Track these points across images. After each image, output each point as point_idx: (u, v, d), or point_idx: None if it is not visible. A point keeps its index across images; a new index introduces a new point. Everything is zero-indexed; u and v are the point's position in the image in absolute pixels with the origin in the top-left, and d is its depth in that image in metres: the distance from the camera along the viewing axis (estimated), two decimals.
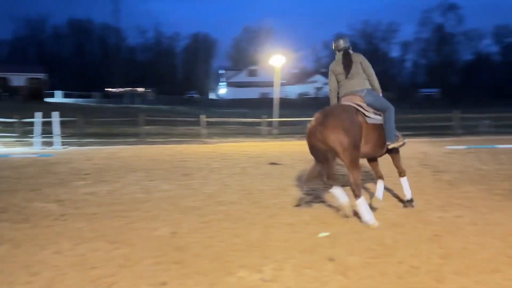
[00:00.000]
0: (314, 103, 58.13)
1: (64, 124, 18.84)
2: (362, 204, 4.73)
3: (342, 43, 5.38)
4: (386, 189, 6.30)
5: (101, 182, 7.76)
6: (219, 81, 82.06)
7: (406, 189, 5.52)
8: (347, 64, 5.10)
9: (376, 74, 5.42)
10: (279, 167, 9.62)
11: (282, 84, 69.29)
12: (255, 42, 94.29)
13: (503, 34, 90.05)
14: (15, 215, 5.42)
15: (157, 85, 70.95)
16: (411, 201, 5.51)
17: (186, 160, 11.21)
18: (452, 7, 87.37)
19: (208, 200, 6.20)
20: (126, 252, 3.97)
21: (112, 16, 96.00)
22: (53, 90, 54.28)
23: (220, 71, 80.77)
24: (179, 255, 3.87)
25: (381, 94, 5.34)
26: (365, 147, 4.87)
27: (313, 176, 5.23)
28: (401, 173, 5.53)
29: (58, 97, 53.87)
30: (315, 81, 77.08)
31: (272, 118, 21.76)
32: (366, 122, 4.85)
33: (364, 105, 4.96)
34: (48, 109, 20.81)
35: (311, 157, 5.12)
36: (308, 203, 5.87)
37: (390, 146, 5.12)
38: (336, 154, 4.78)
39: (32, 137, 17.04)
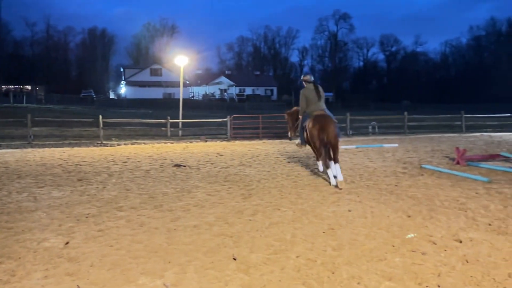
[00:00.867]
0: (220, 105, 58.59)
1: None
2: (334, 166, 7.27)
3: (310, 77, 7.92)
4: (284, 186, 6.60)
5: None
6: (119, 80, 78.12)
7: (339, 172, 7.20)
8: (318, 92, 7.67)
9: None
10: (184, 169, 9.49)
11: (187, 85, 68.65)
12: (157, 41, 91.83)
13: (388, 43, 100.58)
14: None
15: (48, 82, 65.06)
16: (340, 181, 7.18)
17: (81, 164, 10.47)
18: (344, 17, 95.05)
19: (106, 206, 5.86)
20: (11, 267, 3.57)
21: None
22: None
23: (121, 69, 76.96)
24: (73, 266, 3.59)
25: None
26: None
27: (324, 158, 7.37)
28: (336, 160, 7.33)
29: None
30: (220, 83, 77.65)
31: (176, 119, 21.38)
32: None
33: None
34: None
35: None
36: (213, 203, 5.90)
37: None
38: (331, 141, 7.25)
39: None
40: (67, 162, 10.75)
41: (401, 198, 6.12)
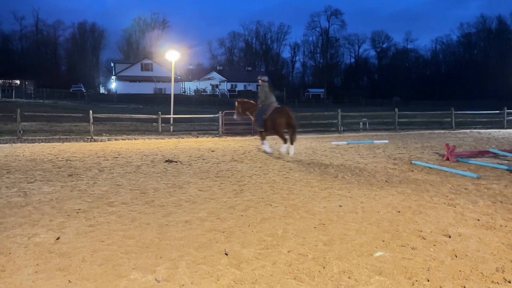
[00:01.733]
0: (212, 100, 58.40)
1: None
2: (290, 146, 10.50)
3: (266, 78, 10.92)
4: (276, 182, 6.62)
5: None
6: (109, 75, 77.45)
7: (292, 149, 10.59)
8: (272, 89, 10.66)
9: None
10: (175, 164, 9.47)
11: (178, 80, 68.28)
12: (147, 35, 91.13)
13: (379, 40, 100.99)
14: None
15: (38, 77, 64.29)
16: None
17: (72, 159, 10.39)
18: (336, 13, 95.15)
19: (97, 201, 5.84)
20: (1, 262, 3.55)
21: None
22: None
23: (111, 64, 76.26)
24: (64, 262, 3.58)
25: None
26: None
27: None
28: (293, 142, 10.55)
29: None
30: (211, 78, 77.33)
31: (168, 114, 21.28)
32: None
33: None
34: None
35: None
36: (205, 199, 5.90)
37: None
38: (293, 125, 10.45)
39: None
40: (57, 158, 10.66)
41: (391, 194, 6.18)
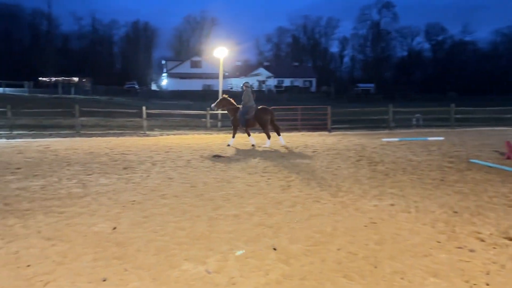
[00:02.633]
0: (258, 96, 58.73)
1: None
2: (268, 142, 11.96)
3: (249, 84, 12.78)
4: (324, 179, 6.54)
5: (34, 177, 7.30)
6: (160, 72, 79.99)
7: (282, 139, 12.43)
8: (253, 94, 12.27)
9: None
10: (223, 159, 9.62)
11: (226, 77, 69.20)
12: (197, 33, 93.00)
13: (433, 32, 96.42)
14: None
15: (94, 74, 67.63)
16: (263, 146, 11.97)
17: (126, 153, 10.85)
18: (388, 5, 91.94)
19: (150, 194, 6.07)
20: (63, 249, 3.79)
21: (44, 2, 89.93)
22: None
23: (162, 62, 78.69)
24: (120, 251, 3.76)
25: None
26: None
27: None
28: (279, 133, 12.49)
29: None
30: (258, 74, 77.61)
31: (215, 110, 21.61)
32: None
33: None
34: None
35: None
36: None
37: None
38: (274, 122, 12.34)
39: None
40: (113, 151, 11.18)
41: (447, 193, 5.91)
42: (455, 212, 4.95)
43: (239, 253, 3.74)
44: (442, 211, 4.99)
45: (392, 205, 5.33)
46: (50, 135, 16.48)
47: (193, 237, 4.13)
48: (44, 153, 10.57)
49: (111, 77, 71.50)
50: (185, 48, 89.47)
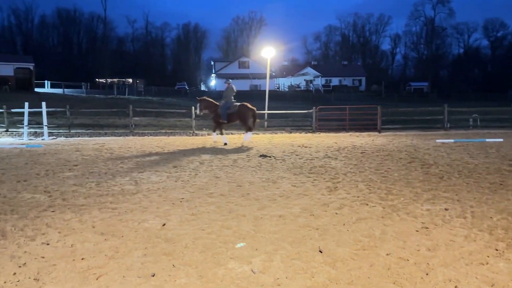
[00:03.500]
0: (305, 96, 58.21)
1: (52, 115, 18.61)
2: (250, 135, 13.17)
3: (230, 81, 13.30)
4: (373, 181, 6.34)
5: (90, 174, 7.70)
6: (209, 73, 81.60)
7: (247, 136, 13.15)
8: (234, 91, 13.01)
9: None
10: (269, 159, 9.63)
11: (273, 77, 69.33)
12: (245, 34, 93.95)
13: (493, 28, 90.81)
14: (2, 206, 5.35)
15: (147, 76, 70.31)
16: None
17: (176, 151, 11.16)
18: (443, 1, 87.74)
19: (198, 192, 6.19)
20: (115, 244, 3.95)
21: (100, 6, 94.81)
22: (41, 81, 53.41)
23: (211, 63, 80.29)
24: (169, 247, 3.86)
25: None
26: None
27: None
28: (250, 130, 13.03)
29: (46, 88, 53.04)
30: (306, 74, 76.99)
31: (262, 110, 21.72)
32: None
33: None
34: (36, 100, 20.51)
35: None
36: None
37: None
38: (255, 117, 13.08)
39: (20, 128, 16.80)
40: (163, 150, 11.55)
41: (507, 198, 5.53)
42: None
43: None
44: (501, 217, 4.67)
45: (446, 209, 5.07)
46: (105, 134, 17.33)
47: (238, 236, 4.16)
48: (100, 151, 11.12)
49: (162, 78, 73.97)
50: (233, 49, 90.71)
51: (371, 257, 3.58)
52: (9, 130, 17.70)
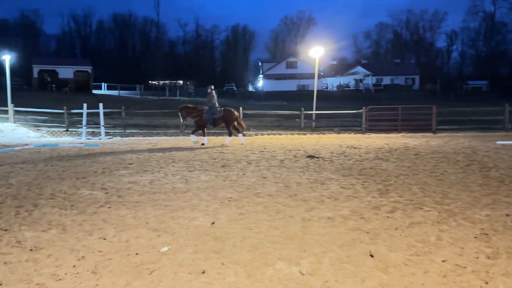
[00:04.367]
0: (355, 95, 56.96)
1: (108, 115, 19.56)
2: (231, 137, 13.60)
3: (213, 88, 13.64)
4: (428, 184, 6.05)
5: (143, 172, 8.00)
6: (257, 74, 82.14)
7: (228, 140, 13.45)
8: (215, 96, 13.29)
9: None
10: (317, 160, 9.52)
11: (321, 76, 68.53)
12: (293, 33, 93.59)
13: None
14: (63, 201, 5.69)
15: (197, 77, 72.03)
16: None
17: (224, 151, 11.33)
18: None
19: (246, 191, 6.24)
20: (167, 240, 4.07)
21: (153, 10, 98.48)
22: (98, 83, 56.40)
23: (259, 63, 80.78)
24: (218, 245, 3.92)
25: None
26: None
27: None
28: (231, 134, 13.43)
29: (103, 90, 55.95)
30: (355, 73, 75.30)
31: (310, 110, 21.53)
32: None
33: None
34: (94, 101, 21.65)
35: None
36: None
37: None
38: (239, 121, 13.89)
39: (79, 127, 17.84)
40: (212, 150, 11.77)
41: None
42: None
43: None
44: None
45: (507, 215, 4.76)
46: (157, 134, 17.97)
47: (286, 236, 4.15)
48: (152, 150, 11.54)
49: (211, 80, 75.34)
50: (280, 49, 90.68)
51: (426, 264, 3.43)
52: (69, 129, 18.83)
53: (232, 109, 13.72)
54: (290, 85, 68.34)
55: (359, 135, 17.69)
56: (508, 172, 7.52)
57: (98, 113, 17.11)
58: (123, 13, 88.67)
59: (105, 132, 16.89)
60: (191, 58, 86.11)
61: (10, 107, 19.35)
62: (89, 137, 16.59)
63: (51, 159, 9.85)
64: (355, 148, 11.91)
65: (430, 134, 17.28)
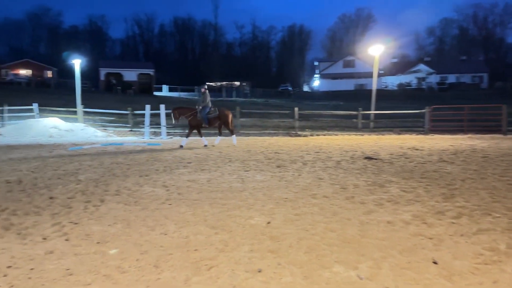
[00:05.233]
0: (417, 95, 54.51)
1: (169, 116, 20.31)
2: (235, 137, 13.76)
3: (206, 87, 13.74)
4: (497, 189, 5.65)
5: (202, 171, 8.23)
6: (313, 73, 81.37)
7: (218, 140, 13.86)
8: (209, 97, 13.29)
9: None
10: (375, 162, 9.24)
11: (381, 75, 66.35)
12: (351, 32, 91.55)
13: None
14: (127, 198, 6.01)
15: (252, 78, 72.81)
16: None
17: (279, 152, 11.35)
18: None
19: (301, 192, 6.21)
20: (225, 238, 4.16)
21: (211, 14, 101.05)
22: (159, 85, 58.91)
23: (315, 63, 79.96)
24: (274, 245, 3.94)
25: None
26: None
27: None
28: (233, 133, 13.80)
29: (164, 91, 58.34)
30: (417, 71, 72.00)
31: (368, 110, 20.93)
32: None
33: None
34: (156, 102, 22.64)
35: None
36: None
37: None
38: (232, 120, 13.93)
39: (142, 127, 18.75)
40: (267, 150, 11.84)
41: None
42: None
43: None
44: None
45: None
46: (214, 134, 18.38)
47: (343, 239, 4.07)
48: (209, 150, 11.84)
49: (267, 80, 75.95)
50: (337, 48, 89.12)
51: (495, 273, 3.21)
52: (133, 129, 19.83)
53: (226, 109, 13.80)
54: (347, 85, 66.93)
55: (421, 136, 16.92)
56: None
57: (159, 114, 17.85)
58: (183, 17, 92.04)
59: (166, 132, 17.59)
60: (247, 59, 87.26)
61: (80, 108, 20.76)
62: (152, 136, 17.37)
63: (116, 157, 10.44)
64: (417, 149, 11.41)
65: (500, 135, 16.12)
